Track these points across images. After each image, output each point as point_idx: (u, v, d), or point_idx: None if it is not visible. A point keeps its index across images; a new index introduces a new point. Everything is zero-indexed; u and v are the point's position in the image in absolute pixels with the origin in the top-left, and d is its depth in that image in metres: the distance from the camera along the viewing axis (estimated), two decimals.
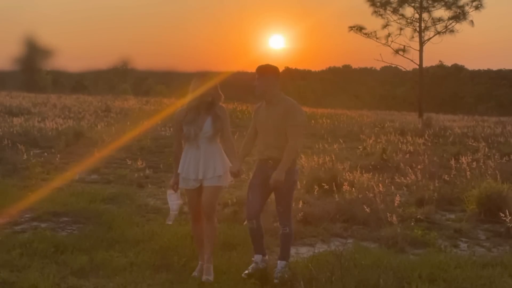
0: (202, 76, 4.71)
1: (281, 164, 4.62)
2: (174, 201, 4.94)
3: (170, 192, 4.96)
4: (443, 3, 29.52)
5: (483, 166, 9.86)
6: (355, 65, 72.79)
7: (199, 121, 4.68)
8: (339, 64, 76.72)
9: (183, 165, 4.75)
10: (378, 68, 65.04)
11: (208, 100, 4.68)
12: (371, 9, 30.31)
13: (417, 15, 29.97)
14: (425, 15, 29.87)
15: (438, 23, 29.69)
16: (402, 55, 30.13)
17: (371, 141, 14.95)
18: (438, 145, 15.47)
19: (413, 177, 9.07)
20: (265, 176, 4.75)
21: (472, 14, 29.28)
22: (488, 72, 61.94)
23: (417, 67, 30.50)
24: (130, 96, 40.58)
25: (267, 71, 4.79)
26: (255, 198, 4.85)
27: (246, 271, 4.78)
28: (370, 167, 10.55)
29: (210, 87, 4.69)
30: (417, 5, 29.92)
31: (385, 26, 30.25)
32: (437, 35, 29.69)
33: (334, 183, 7.94)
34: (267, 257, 5.05)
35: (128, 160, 11.03)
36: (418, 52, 29.79)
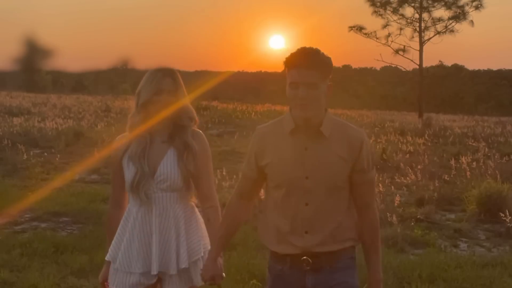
0: (164, 74, 2.52)
1: (375, 267, 2.40)
2: None
3: None
4: (443, 3, 29.55)
5: (483, 166, 9.86)
6: (355, 65, 72.87)
7: (153, 157, 2.51)
8: (339, 64, 76.81)
9: (119, 245, 2.56)
10: (378, 68, 65.15)
11: (176, 122, 2.55)
12: (371, 9, 30.36)
13: (417, 15, 30.02)
14: (425, 15, 29.91)
15: (438, 23, 29.74)
16: (402, 55, 30.17)
17: (371, 141, 14.95)
18: (438, 145, 15.46)
19: (413, 177, 9.07)
20: None
21: (472, 14, 29.34)
22: (488, 72, 61.95)
23: (417, 67, 30.54)
24: (130, 96, 40.60)
25: (326, 67, 2.27)
26: None
27: None
28: None
29: (179, 102, 2.52)
30: (417, 5, 29.95)
31: (385, 26, 30.29)
32: (437, 35, 29.74)
33: None
34: None
35: None
36: (418, 52, 29.83)
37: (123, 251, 2.54)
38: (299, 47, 2.24)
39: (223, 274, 2.50)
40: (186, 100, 2.56)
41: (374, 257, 2.38)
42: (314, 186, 2.27)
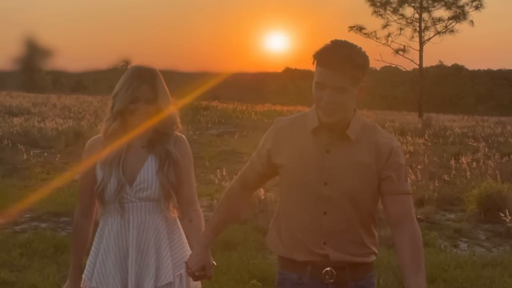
0: (141, 82, 2.26)
1: None
2: None
3: None
4: (443, 3, 29.57)
5: (483, 166, 9.87)
6: None
7: (131, 163, 2.29)
8: None
9: (95, 261, 2.35)
10: (378, 68, 65.09)
11: (158, 129, 2.32)
12: (371, 9, 30.38)
13: (417, 15, 30.04)
14: (425, 15, 29.93)
15: (438, 23, 29.76)
16: (402, 55, 30.19)
17: None
18: (438, 145, 15.46)
19: (413, 177, 9.07)
20: None
21: (472, 14, 29.36)
22: (488, 72, 61.91)
23: (417, 67, 30.56)
24: None
25: (360, 70, 1.97)
26: None
27: None
28: None
29: (160, 110, 2.29)
30: (417, 5, 29.97)
31: (385, 26, 30.31)
32: (437, 35, 29.76)
33: None
34: None
35: None
36: (418, 52, 29.84)
37: (98, 267, 2.31)
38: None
39: (215, 263, 2.22)
40: (169, 107, 2.33)
41: (415, 277, 1.89)
42: (334, 194, 2.00)
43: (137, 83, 2.25)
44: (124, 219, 2.28)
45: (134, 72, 2.29)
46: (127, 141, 2.31)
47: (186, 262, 2.21)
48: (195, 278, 2.20)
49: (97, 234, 2.36)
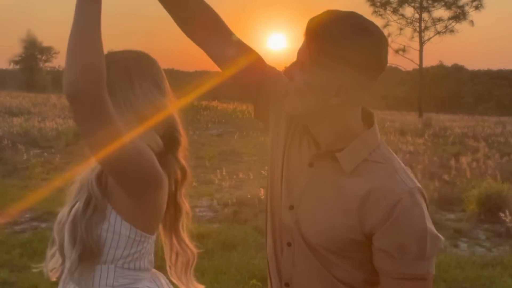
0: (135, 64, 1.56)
1: None
2: None
3: None
4: (443, 3, 29.60)
5: (483, 166, 9.88)
6: None
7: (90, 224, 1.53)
8: None
9: None
10: None
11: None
12: (371, 9, 30.42)
13: (417, 15, 30.09)
14: (425, 15, 29.97)
15: (438, 23, 29.80)
16: (402, 55, 30.22)
17: None
18: (438, 145, 15.46)
19: None
20: None
21: (472, 14, 29.42)
22: (488, 72, 61.93)
23: (417, 67, 30.58)
24: None
25: (327, 35, 1.24)
26: None
27: None
28: None
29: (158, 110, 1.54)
30: (417, 5, 30.01)
31: (385, 26, 30.34)
32: (437, 35, 29.81)
33: None
34: None
35: None
36: (418, 52, 29.87)
37: None
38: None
39: None
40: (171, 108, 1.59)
41: None
42: (296, 226, 1.35)
43: None
44: None
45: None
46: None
47: None
48: None
49: None
